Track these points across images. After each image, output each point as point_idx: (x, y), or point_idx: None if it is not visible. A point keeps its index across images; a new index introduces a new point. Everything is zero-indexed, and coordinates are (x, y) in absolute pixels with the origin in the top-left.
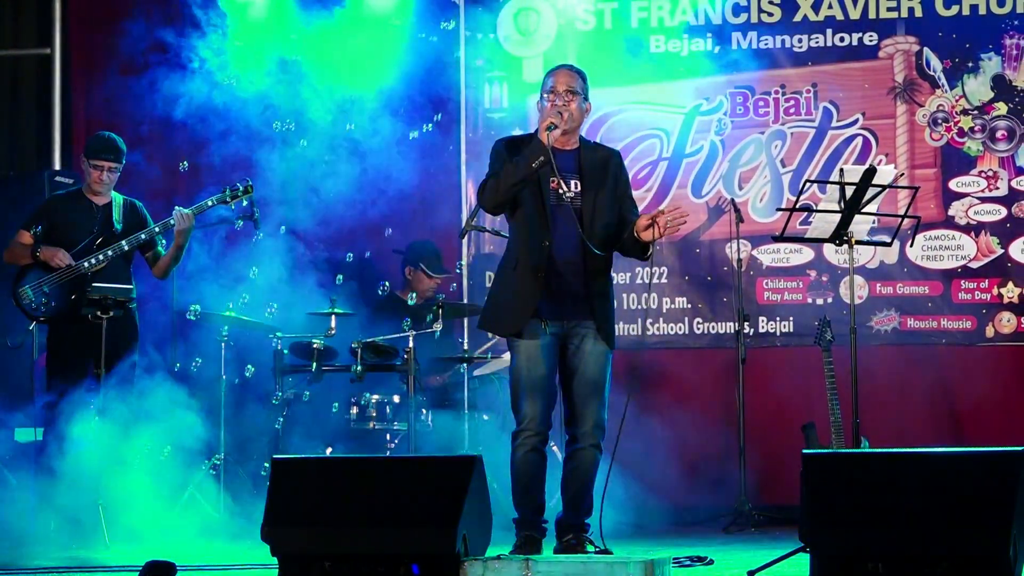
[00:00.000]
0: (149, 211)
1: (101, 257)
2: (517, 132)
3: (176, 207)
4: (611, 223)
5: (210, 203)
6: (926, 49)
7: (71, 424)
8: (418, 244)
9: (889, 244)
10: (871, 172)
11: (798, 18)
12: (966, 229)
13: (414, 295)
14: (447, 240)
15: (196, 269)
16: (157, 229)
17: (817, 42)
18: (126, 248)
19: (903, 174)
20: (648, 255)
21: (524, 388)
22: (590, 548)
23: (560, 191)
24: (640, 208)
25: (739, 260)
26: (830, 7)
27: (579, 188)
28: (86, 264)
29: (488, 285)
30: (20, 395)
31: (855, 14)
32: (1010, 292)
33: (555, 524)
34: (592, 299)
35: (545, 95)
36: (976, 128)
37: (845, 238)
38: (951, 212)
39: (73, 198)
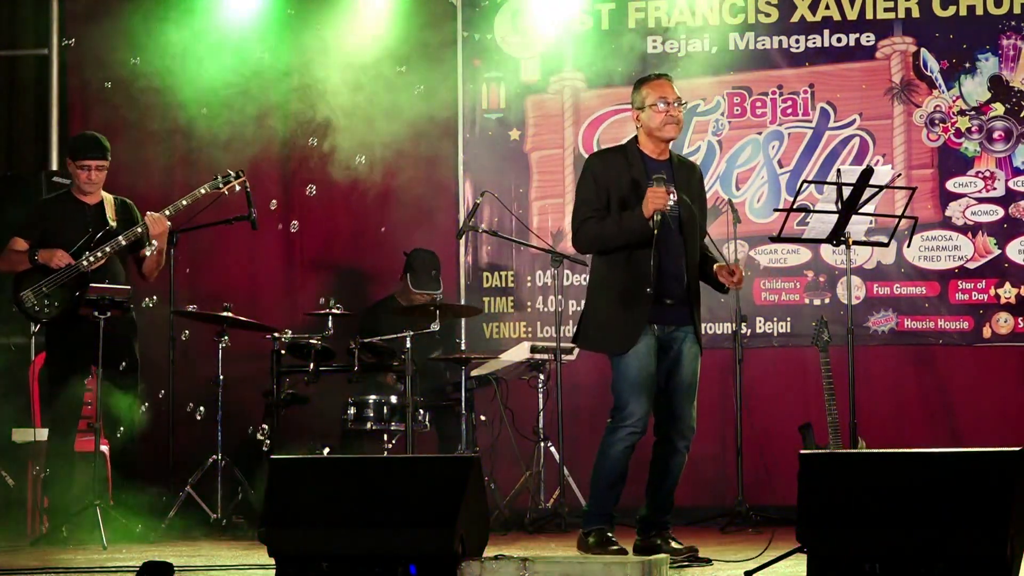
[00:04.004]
0: (147, 209)
1: (99, 254)
2: (514, 133)
3: (148, 212)
4: (701, 233)
5: (202, 192)
6: (923, 50)
7: (71, 424)
8: (416, 254)
9: (886, 244)
10: (868, 173)
11: (795, 19)
12: (963, 230)
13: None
14: (445, 241)
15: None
16: (138, 230)
17: (814, 43)
18: (123, 243)
19: (900, 175)
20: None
21: (636, 386)
22: (675, 544)
23: (663, 177)
24: None
25: (736, 260)
26: (827, 8)
27: (675, 197)
28: (85, 262)
29: (485, 286)
30: (17, 395)
31: (852, 15)
32: (1007, 293)
33: (638, 521)
34: (691, 304)
35: (656, 104)
36: (973, 128)
37: (842, 239)
38: (948, 213)
39: (63, 200)
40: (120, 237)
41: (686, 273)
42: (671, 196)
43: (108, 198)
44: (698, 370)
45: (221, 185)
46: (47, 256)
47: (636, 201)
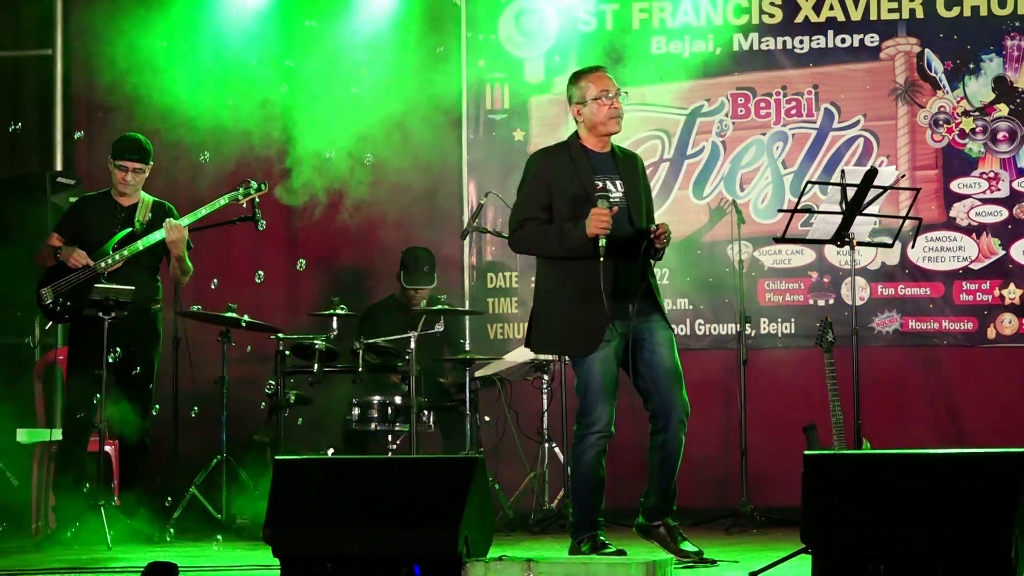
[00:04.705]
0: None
1: (117, 257)
2: (519, 134)
3: (167, 219)
4: (649, 221)
5: (223, 202)
6: (927, 50)
7: (81, 425)
8: (409, 252)
9: (890, 245)
10: (872, 173)
11: (799, 19)
12: (967, 230)
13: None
14: (448, 242)
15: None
16: (158, 236)
17: (818, 43)
18: (140, 248)
19: (904, 175)
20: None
21: (600, 392)
22: (685, 546)
23: (613, 194)
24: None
25: (740, 261)
26: (831, 8)
27: (623, 188)
28: (102, 264)
29: (490, 286)
30: (23, 395)
31: (856, 15)
32: (1011, 294)
33: (642, 506)
34: (650, 292)
35: (600, 98)
36: (977, 129)
37: (846, 239)
38: (952, 213)
39: (100, 199)
40: (139, 242)
41: (642, 263)
42: (612, 212)
43: (146, 201)
44: (676, 353)
45: (241, 197)
46: (66, 255)
47: (583, 200)
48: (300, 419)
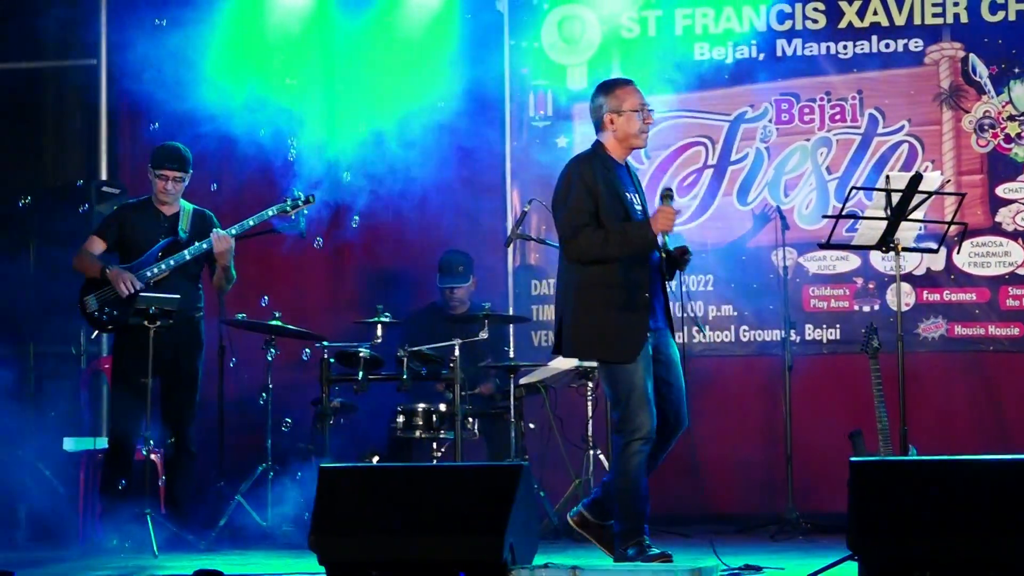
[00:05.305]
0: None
1: (164, 267)
2: (562, 141)
3: (215, 228)
4: None
5: (270, 213)
6: (972, 55)
7: (127, 434)
8: (444, 255)
9: (936, 251)
10: (917, 179)
11: (843, 25)
12: (1013, 235)
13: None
14: (493, 249)
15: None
16: (204, 246)
17: (862, 48)
18: (188, 258)
19: (949, 180)
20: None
21: (644, 400)
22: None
23: (637, 207)
24: (687, 216)
25: (785, 267)
26: (875, 14)
27: (641, 202)
28: (148, 274)
29: (534, 293)
30: (69, 404)
31: (900, 20)
32: None
33: (596, 508)
34: (667, 303)
35: (636, 111)
36: (1023, 134)
37: (891, 245)
38: (998, 218)
39: (142, 207)
40: (186, 252)
41: (661, 273)
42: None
43: (187, 209)
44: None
45: (289, 208)
46: (115, 277)
47: (619, 207)
48: (345, 427)
